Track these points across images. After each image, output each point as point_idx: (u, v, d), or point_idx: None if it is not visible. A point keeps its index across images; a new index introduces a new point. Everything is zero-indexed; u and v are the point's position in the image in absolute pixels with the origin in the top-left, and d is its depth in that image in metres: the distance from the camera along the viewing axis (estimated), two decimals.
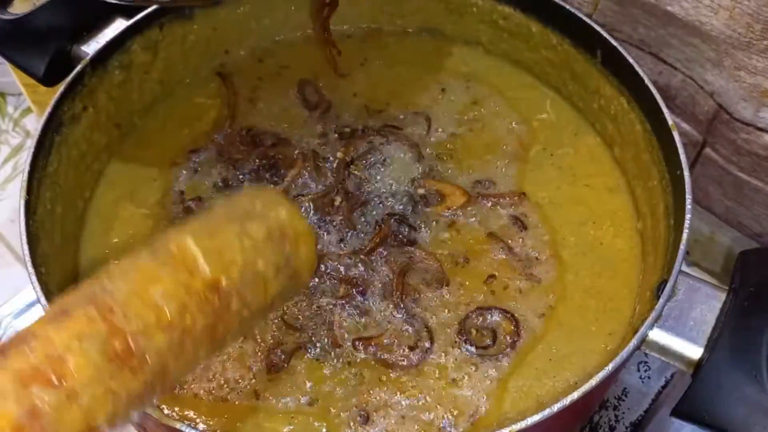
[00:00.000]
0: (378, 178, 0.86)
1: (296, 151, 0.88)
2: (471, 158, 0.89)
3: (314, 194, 0.84)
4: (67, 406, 0.44)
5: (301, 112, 0.93)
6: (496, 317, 0.76)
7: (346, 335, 0.75)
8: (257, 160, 0.88)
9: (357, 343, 0.74)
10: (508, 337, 0.75)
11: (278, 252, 0.58)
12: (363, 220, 0.82)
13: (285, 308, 0.76)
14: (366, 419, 0.70)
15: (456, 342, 0.74)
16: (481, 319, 0.76)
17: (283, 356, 0.73)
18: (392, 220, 0.82)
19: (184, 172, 0.88)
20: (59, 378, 0.43)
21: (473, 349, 0.74)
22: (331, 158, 0.87)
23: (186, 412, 0.71)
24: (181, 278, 0.50)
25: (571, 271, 0.80)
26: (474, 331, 0.75)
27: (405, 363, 0.73)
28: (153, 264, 0.51)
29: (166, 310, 0.49)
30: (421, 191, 0.85)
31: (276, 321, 0.75)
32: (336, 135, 0.90)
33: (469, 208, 0.84)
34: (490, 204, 0.84)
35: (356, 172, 0.86)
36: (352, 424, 0.70)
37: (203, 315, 0.51)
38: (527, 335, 0.75)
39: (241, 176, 0.86)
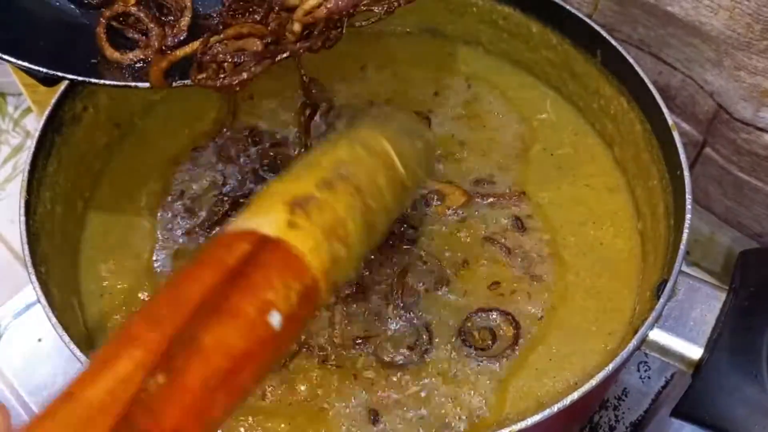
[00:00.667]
0: None
1: (296, 151, 0.88)
2: (471, 158, 0.89)
3: None
4: (347, 262, 0.52)
5: (302, 111, 0.93)
6: (496, 318, 0.76)
7: (347, 335, 0.75)
8: (257, 160, 0.88)
9: (357, 342, 0.74)
10: (508, 338, 0.75)
11: (425, 169, 0.67)
12: None
13: None
14: (365, 419, 0.70)
15: (456, 343, 0.74)
16: (481, 319, 0.76)
17: (284, 357, 0.73)
18: None
19: (185, 171, 0.88)
20: (344, 237, 0.52)
21: (473, 349, 0.74)
22: None
23: None
24: (390, 174, 0.59)
25: (572, 272, 0.80)
26: (474, 332, 0.75)
27: (405, 363, 0.73)
28: (371, 159, 0.58)
29: (387, 198, 0.57)
30: (421, 191, 0.85)
31: None
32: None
33: (469, 208, 0.84)
34: (490, 204, 0.84)
35: None
36: (351, 423, 0.70)
37: (399, 209, 0.62)
38: (527, 336, 0.75)
39: (241, 176, 0.86)
